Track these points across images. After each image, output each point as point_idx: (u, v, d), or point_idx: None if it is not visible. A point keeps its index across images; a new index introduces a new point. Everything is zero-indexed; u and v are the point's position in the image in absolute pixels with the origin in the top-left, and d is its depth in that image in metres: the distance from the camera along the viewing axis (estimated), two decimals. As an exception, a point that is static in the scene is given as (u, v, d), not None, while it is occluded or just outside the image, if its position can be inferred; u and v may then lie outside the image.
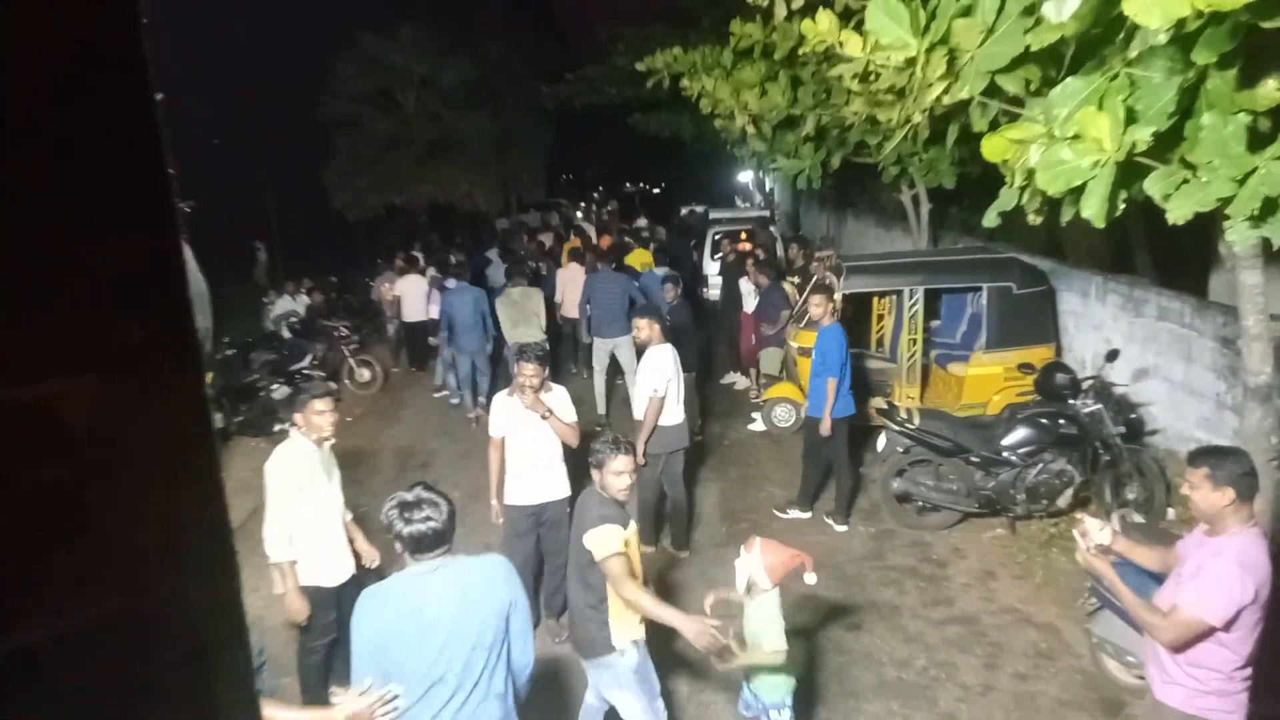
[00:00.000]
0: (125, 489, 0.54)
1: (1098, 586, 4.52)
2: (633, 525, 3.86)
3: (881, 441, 6.78)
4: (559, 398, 5.39)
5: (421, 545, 2.88)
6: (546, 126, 26.09)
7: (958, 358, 8.65)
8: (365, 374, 11.83)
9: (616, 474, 3.78)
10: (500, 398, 5.42)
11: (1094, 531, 3.30)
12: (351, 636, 2.91)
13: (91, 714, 0.55)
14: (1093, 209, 3.23)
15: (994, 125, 4.44)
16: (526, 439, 5.28)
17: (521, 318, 9.31)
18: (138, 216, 0.53)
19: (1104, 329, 8.33)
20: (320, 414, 4.37)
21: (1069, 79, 3.44)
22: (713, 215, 17.17)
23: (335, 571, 4.51)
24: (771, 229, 15.43)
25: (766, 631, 3.62)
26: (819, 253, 10.41)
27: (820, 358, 6.68)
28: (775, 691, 3.75)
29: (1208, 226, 8.64)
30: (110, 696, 0.55)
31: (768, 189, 30.58)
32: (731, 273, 11.21)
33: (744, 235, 14.52)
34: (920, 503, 6.61)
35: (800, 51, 5.46)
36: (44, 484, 0.51)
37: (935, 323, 9.37)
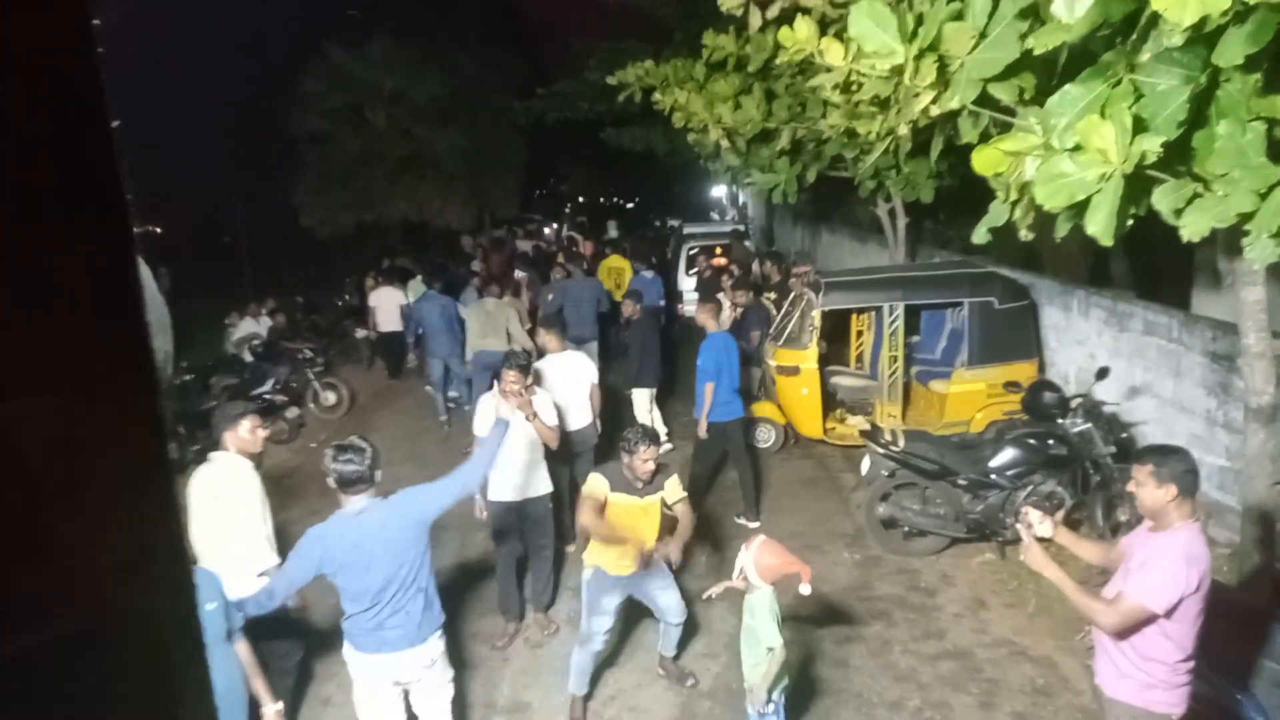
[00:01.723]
0: (82, 509, 0.54)
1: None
2: (643, 498, 4.57)
3: (865, 464, 6.53)
4: (542, 401, 5.61)
5: (345, 482, 3.60)
6: (520, 142, 25.79)
7: (939, 375, 8.45)
8: (331, 397, 11.44)
9: (643, 460, 4.46)
10: (487, 397, 5.67)
11: (1035, 523, 3.41)
12: (291, 556, 3.67)
13: None
14: (1099, 225, 3.00)
15: (984, 137, 4.24)
16: (510, 438, 5.37)
17: (491, 328, 9.40)
18: (93, 236, 0.53)
19: (1088, 344, 8.15)
20: (253, 430, 4.45)
21: (1067, 86, 3.21)
22: (687, 230, 16.89)
23: None
24: (747, 243, 15.20)
25: (760, 627, 3.81)
26: (796, 268, 10.19)
27: (701, 363, 7.04)
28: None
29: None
30: (71, 716, 0.54)
31: (741, 203, 30.48)
32: (707, 289, 10.98)
33: (719, 250, 14.30)
34: (906, 528, 6.36)
35: (777, 62, 5.21)
36: (4, 503, 0.51)
37: (915, 338, 9.17)
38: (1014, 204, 3.93)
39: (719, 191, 33.38)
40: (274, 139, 22.95)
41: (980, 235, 4.13)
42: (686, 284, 14.21)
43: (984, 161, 3.64)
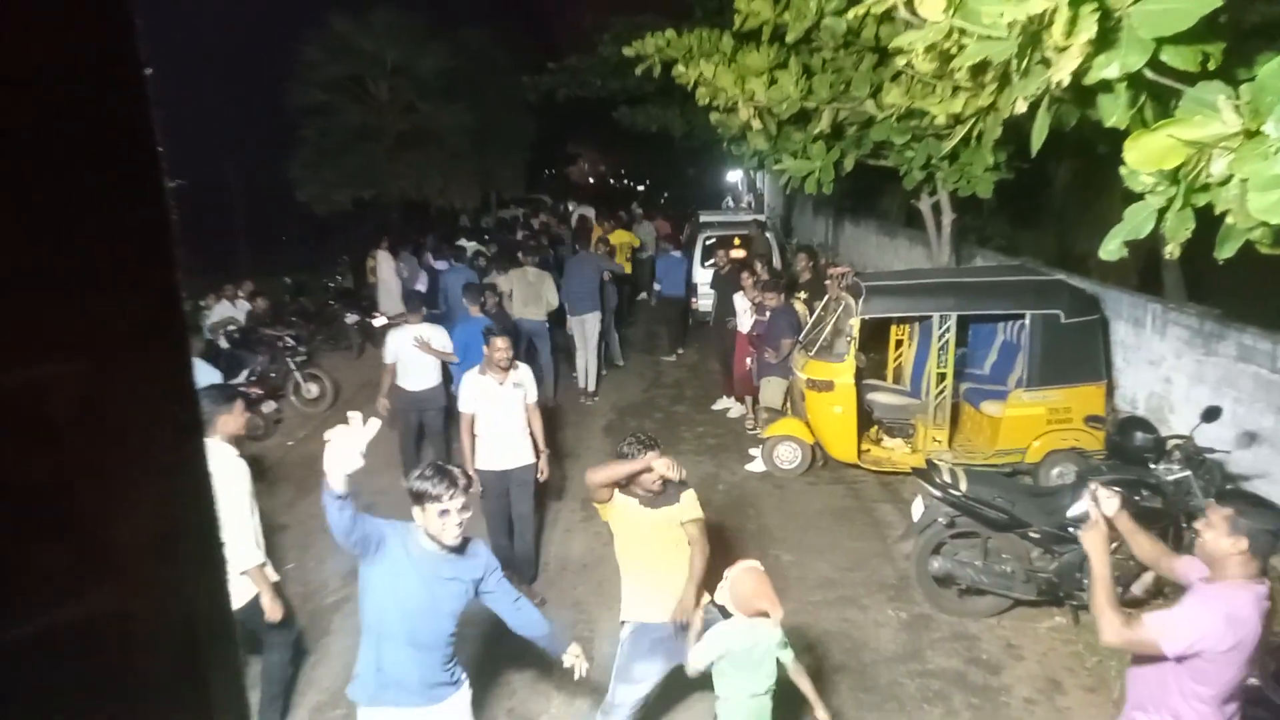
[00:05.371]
0: (116, 481, 0.51)
1: None
2: (656, 509, 3.93)
3: (917, 508, 5.55)
4: (524, 375, 5.81)
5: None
6: (528, 120, 24.74)
7: (991, 395, 7.47)
8: (313, 389, 10.50)
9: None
10: (470, 375, 5.71)
11: (1103, 500, 3.24)
12: None
13: (80, 714, 0.52)
14: (1364, 253, 2.03)
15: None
16: (495, 413, 5.66)
17: (532, 297, 9.68)
18: (127, 194, 0.51)
19: (1162, 366, 7.17)
20: (238, 417, 4.32)
21: (1290, 49, 2.23)
22: (703, 218, 15.83)
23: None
24: (768, 235, 14.15)
25: (705, 644, 3.51)
26: (832, 269, 9.17)
27: (461, 351, 7.31)
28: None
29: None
30: (100, 696, 0.52)
31: (757, 189, 29.38)
32: (726, 286, 9.99)
33: (738, 242, 13.28)
34: (963, 585, 5.40)
35: (837, 19, 4.18)
36: (30, 476, 0.49)
37: (960, 350, 8.19)
38: (1162, 210, 3.00)
39: (734, 177, 32.26)
40: (271, 110, 21.89)
41: (1112, 250, 3.20)
42: (701, 276, 13.15)
43: (1147, 153, 2.66)
